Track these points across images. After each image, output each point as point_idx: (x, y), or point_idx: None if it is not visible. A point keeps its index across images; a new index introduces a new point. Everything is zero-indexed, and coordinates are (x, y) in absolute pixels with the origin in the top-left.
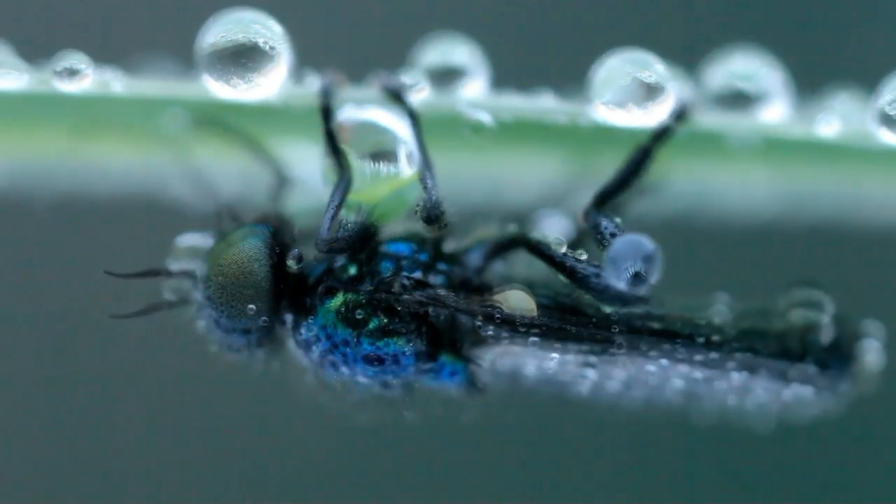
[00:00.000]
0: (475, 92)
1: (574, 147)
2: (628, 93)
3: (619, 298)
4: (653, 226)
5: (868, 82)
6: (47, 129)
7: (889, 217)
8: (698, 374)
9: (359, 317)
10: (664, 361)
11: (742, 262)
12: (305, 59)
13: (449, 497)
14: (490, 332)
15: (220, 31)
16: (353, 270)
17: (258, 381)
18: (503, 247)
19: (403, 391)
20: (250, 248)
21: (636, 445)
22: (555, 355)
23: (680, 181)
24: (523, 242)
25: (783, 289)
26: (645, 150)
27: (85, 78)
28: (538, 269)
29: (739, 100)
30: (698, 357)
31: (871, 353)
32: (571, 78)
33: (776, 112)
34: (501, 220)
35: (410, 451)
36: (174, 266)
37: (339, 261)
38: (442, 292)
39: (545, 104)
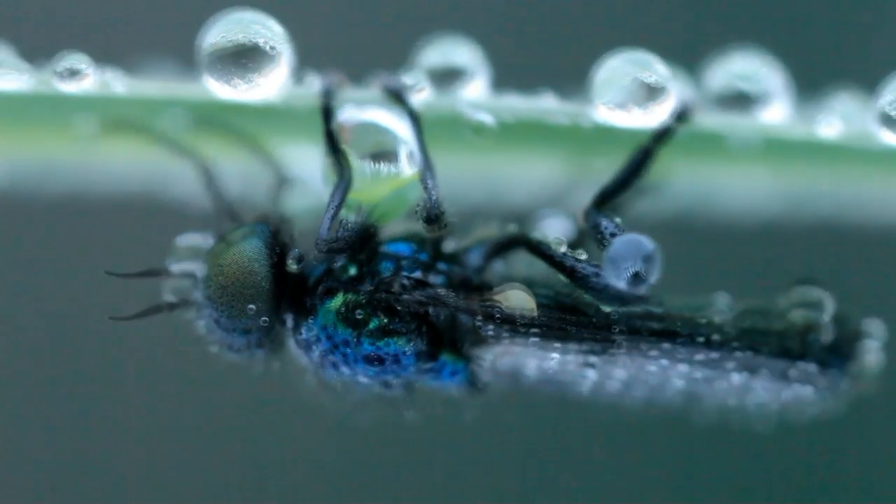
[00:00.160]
0: (476, 92)
1: (575, 147)
2: (629, 93)
3: (619, 298)
4: (653, 226)
5: (869, 83)
6: (48, 129)
7: (890, 217)
8: (698, 373)
9: (359, 317)
10: (664, 361)
11: (742, 262)
12: (306, 60)
13: (449, 497)
14: (490, 332)
15: (220, 31)
16: (352, 271)
17: (258, 381)
18: (503, 246)
19: (404, 391)
20: (251, 248)
21: (636, 445)
22: (555, 355)
23: (681, 181)
24: (523, 242)
25: (783, 288)
26: (646, 151)
27: (86, 78)
28: (538, 268)
29: (740, 100)
30: (698, 357)
31: (871, 353)
32: (572, 78)
33: (777, 112)
34: (502, 220)
35: (411, 451)
36: (174, 266)
37: (339, 261)
38: (442, 292)
39: (546, 105)
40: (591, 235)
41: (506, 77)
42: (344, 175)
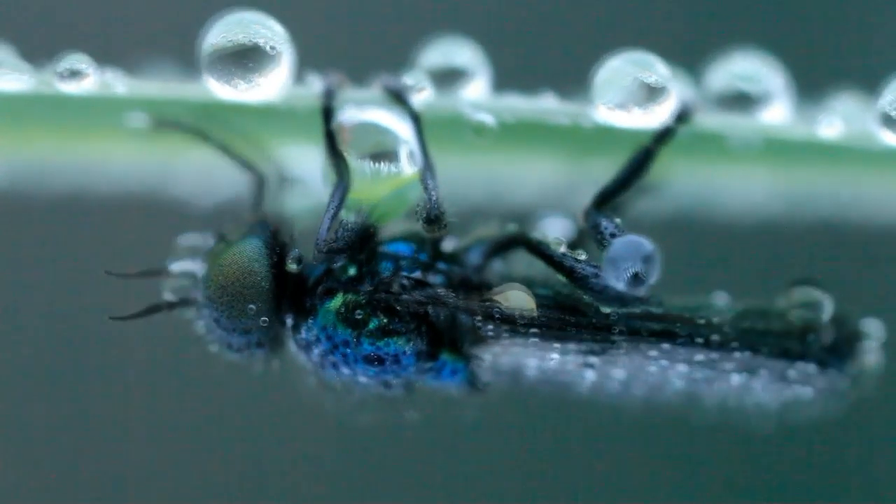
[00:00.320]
0: (477, 93)
1: (575, 148)
2: (630, 94)
3: (618, 299)
4: (653, 226)
5: (870, 83)
6: (49, 129)
7: (890, 217)
8: (698, 374)
9: (358, 317)
10: (663, 362)
11: (742, 263)
12: (307, 60)
13: (449, 497)
14: (490, 331)
15: (221, 31)
16: (352, 271)
17: (258, 381)
18: (502, 246)
19: (404, 391)
20: (251, 248)
21: (636, 446)
22: (555, 355)
23: (681, 181)
24: (523, 242)
25: (782, 289)
26: (646, 151)
27: (87, 79)
28: (538, 268)
29: (741, 100)
30: (698, 357)
31: (871, 354)
32: (573, 79)
33: (777, 113)
34: (502, 220)
35: (411, 451)
36: (174, 266)
37: (339, 261)
38: (441, 291)
39: (547, 105)
40: (590, 236)
41: (506, 77)
42: (343, 176)
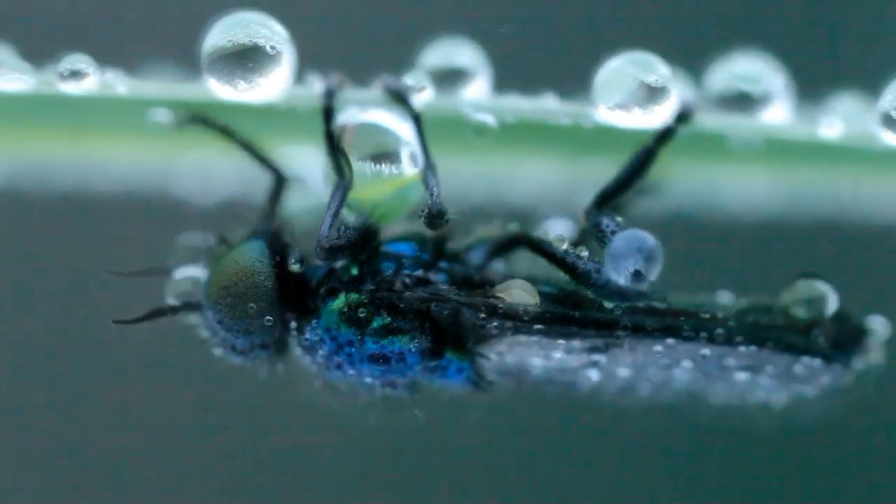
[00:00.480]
0: (477, 93)
1: (576, 148)
2: (631, 94)
3: (621, 294)
4: (653, 225)
5: (870, 84)
6: (49, 129)
7: (890, 218)
8: (702, 370)
9: (362, 316)
10: (668, 358)
11: (743, 263)
12: (308, 61)
13: (452, 496)
14: (494, 327)
15: (222, 32)
16: (354, 271)
17: (262, 382)
18: (505, 245)
19: (409, 391)
20: (253, 249)
21: (639, 443)
22: (559, 353)
23: (681, 181)
24: (525, 241)
25: (786, 283)
26: (647, 151)
27: (87, 79)
28: (540, 267)
29: (741, 101)
30: (703, 352)
31: (874, 350)
32: (574, 79)
33: (778, 113)
34: (503, 220)
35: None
36: (176, 268)
37: (341, 262)
38: (444, 288)
39: (548, 105)
40: (592, 234)
41: (507, 77)
42: (344, 176)
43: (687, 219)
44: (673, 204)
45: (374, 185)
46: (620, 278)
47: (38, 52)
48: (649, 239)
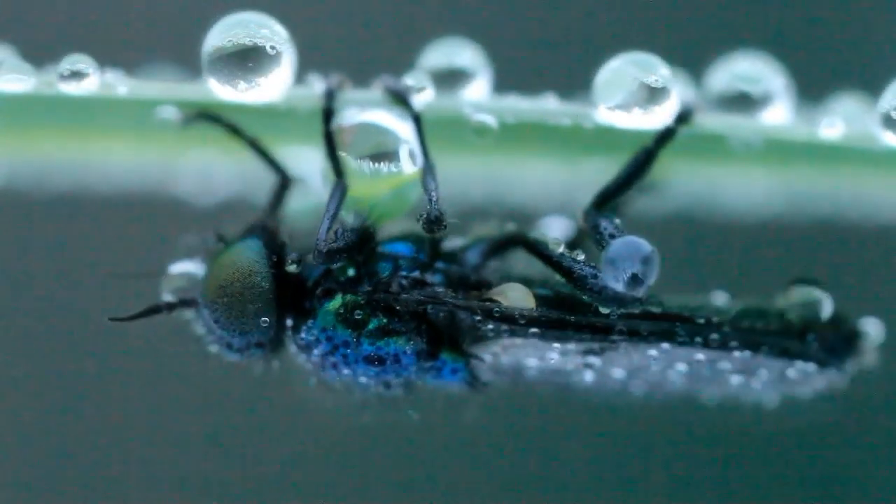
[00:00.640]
0: (478, 93)
1: (576, 148)
2: (631, 95)
3: (616, 299)
4: (653, 225)
5: (871, 84)
6: (50, 129)
7: (890, 218)
8: (696, 373)
9: (358, 317)
10: (663, 361)
11: (743, 263)
12: (308, 61)
13: (447, 496)
14: (490, 329)
15: (223, 32)
16: (351, 272)
17: (258, 381)
18: (501, 246)
19: (404, 391)
20: (250, 248)
21: (634, 444)
22: (554, 355)
23: (681, 181)
24: (521, 241)
25: (782, 287)
26: (647, 152)
27: (87, 79)
28: (536, 268)
29: (742, 101)
30: (697, 357)
31: (868, 354)
32: (574, 80)
33: (779, 114)
34: (501, 220)
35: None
36: (174, 267)
37: (338, 262)
38: (440, 290)
39: (548, 106)
40: (590, 236)
41: (507, 78)
42: (342, 177)
43: (686, 219)
44: (673, 204)
45: (373, 185)
46: (617, 284)
47: (38, 53)
48: (646, 246)
